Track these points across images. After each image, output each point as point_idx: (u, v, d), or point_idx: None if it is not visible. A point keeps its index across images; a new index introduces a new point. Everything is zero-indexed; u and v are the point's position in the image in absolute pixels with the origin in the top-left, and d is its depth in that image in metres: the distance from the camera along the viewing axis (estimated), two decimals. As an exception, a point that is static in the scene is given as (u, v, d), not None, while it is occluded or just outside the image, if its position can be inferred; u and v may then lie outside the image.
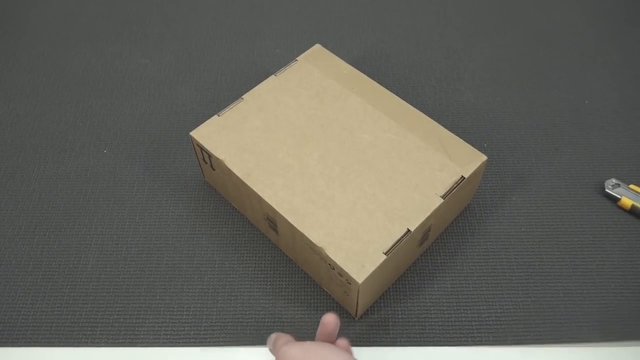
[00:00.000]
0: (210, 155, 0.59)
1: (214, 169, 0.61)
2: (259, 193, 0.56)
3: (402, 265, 0.58)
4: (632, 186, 0.64)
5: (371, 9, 0.86)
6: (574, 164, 0.68)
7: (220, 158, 0.58)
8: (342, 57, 0.79)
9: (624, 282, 0.59)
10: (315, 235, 0.52)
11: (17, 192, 0.67)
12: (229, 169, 0.57)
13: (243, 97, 0.63)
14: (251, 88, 0.64)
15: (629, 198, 0.63)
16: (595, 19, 0.84)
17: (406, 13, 0.86)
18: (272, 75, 0.65)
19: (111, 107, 0.75)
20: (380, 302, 0.58)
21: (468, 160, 0.57)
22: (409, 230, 0.53)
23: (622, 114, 0.73)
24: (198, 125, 0.61)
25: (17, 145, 0.71)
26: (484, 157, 0.58)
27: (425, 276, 0.59)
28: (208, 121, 0.61)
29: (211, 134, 0.60)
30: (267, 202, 0.55)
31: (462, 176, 0.56)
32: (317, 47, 0.68)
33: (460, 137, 0.60)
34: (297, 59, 0.67)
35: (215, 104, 0.75)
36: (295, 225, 0.53)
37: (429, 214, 0.54)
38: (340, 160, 0.58)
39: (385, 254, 0.51)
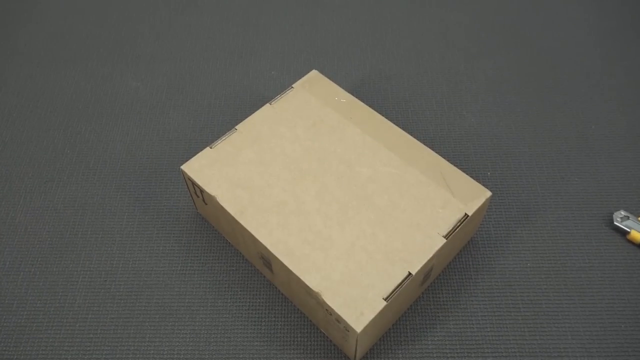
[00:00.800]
0: (202, 191, 0.57)
1: (206, 203, 0.59)
2: (253, 232, 0.53)
3: (403, 306, 0.56)
4: (641, 218, 0.62)
5: (369, 29, 0.84)
6: (580, 194, 0.65)
7: (212, 194, 0.55)
8: (340, 79, 0.77)
9: (635, 322, 0.56)
10: (311, 279, 0.50)
11: (1, 225, 0.64)
12: (222, 206, 0.55)
13: (237, 127, 0.61)
14: (246, 112, 0.62)
15: (639, 231, 0.61)
16: (600, 38, 0.82)
17: (405, 32, 0.83)
18: (267, 104, 0.63)
19: (101, 133, 0.72)
20: (380, 344, 0.55)
21: (472, 196, 0.55)
22: (410, 274, 0.50)
23: (630, 140, 0.70)
24: (190, 152, 0.59)
25: (3, 174, 0.68)
26: (488, 193, 0.55)
27: (427, 316, 0.57)
28: (200, 154, 0.59)
29: (203, 168, 0.57)
30: (261, 243, 0.53)
31: (465, 214, 0.54)
32: (314, 73, 0.66)
33: (463, 164, 0.57)
34: (294, 86, 0.64)
35: (208, 129, 0.72)
36: (291, 268, 0.51)
37: (431, 255, 0.51)
38: (338, 196, 0.55)
39: (386, 299, 0.49)
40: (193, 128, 0.72)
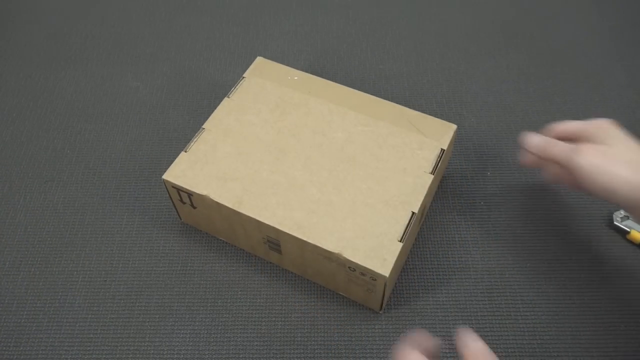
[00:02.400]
0: (190, 194, 0.57)
1: (195, 207, 0.59)
2: (257, 218, 0.54)
3: (409, 247, 0.60)
4: (641, 218, 0.62)
5: (369, 29, 0.84)
6: (581, 194, 0.65)
7: (204, 194, 0.55)
8: (340, 79, 0.77)
9: (635, 322, 0.56)
10: (328, 243, 0.52)
11: (1, 225, 0.64)
12: (217, 202, 0.55)
13: (204, 126, 0.61)
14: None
15: (639, 231, 0.61)
16: (601, 38, 0.82)
17: (405, 33, 0.83)
18: (226, 98, 0.63)
19: (100, 133, 0.72)
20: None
21: (441, 132, 0.60)
22: (413, 213, 0.54)
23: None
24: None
25: (2, 174, 0.68)
26: (454, 126, 0.61)
27: (428, 323, 0.57)
28: (177, 160, 0.58)
29: (185, 172, 0.57)
30: (268, 224, 0.53)
31: (441, 149, 0.59)
32: (260, 59, 0.68)
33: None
34: (244, 75, 0.66)
35: (208, 129, 0.72)
36: (305, 239, 0.52)
37: (425, 192, 0.55)
38: (324, 164, 0.57)
39: (400, 240, 0.52)
40: (193, 128, 0.72)
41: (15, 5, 0.89)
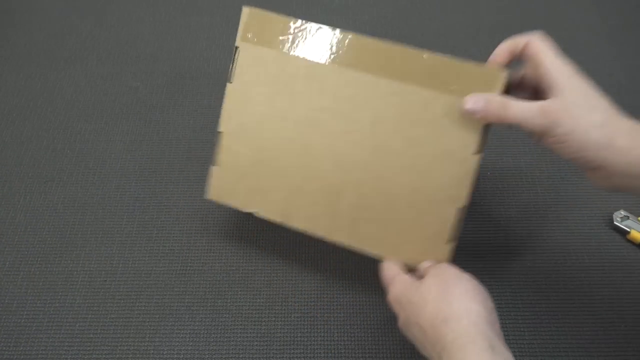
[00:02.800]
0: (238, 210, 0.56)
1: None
2: (307, 230, 0.53)
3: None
4: (641, 218, 0.62)
5: (369, 29, 0.84)
6: (580, 193, 0.65)
7: (252, 211, 0.54)
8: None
9: (635, 322, 0.56)
10: (379, 249, 0.51)
11: (1, 225, 0.64)
12: (266, 218, 0.54)
13: (220, 129, 0.55)
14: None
15: (639, 231, 0.61)
16: (601, 38, 0.82)
17: (405, 32, 0.83)
18: (228, 84, 0.54)
19: (101, 133, 0.72)
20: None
21: (486, 88, 0.47)
22: (461, 208, 0.49)
23: (630, 140, 0.70)
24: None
25: (3, 174, 0.68)
26: (504, 74, 0.47)
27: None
28: (213, 176, 0.56)
29: (224, 188, 0.56)
30: (320, 235, 0.53)
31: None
32: (247, 10, 0.55)
33: None
34: (237, 44, 0.54)
35: (208, 129, 0.72)
36: (357, 246, 0.52)
37: (471, 178, 0.48)
38: (355, 158, 0.51)
39: (448, 242, 0.50)
40: (193, 128, 0.72)
41: (15, 5, 0.88)
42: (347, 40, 0.52)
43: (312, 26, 0.53)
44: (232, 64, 0.54)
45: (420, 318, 0.42)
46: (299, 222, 0.53)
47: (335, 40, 0.52)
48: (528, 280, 0.59)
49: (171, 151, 0.70)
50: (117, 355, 0.55)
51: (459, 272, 0.46)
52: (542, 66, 0.45)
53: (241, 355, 0.55)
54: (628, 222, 0.62)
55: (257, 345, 0.55)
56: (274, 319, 0.57)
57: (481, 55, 0.53)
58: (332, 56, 0.52)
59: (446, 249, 0.50)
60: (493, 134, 0.71)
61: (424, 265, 0.50)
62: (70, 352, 0.55)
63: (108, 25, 0.85)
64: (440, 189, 0.49)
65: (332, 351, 0.55)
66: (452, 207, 0.49)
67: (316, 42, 0.53)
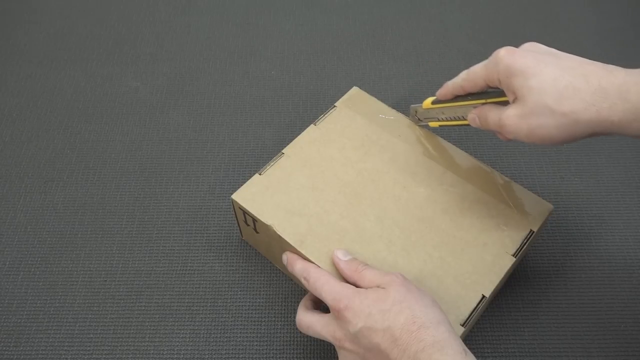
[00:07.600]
0: (255, 220, 0.55)
1: (257, 232, 0.57)
2: (317, 262, 0.51)
3: None
4: (641, 218, 0.62)
5: (369, 29, 0.84)
6: (580, 194, 0.66)
7: (268, 224, 0.53)
8: (340, 79, 0.77)
9: (635, 322, 0.56)
10: None
11: (1, 225, 0.64)
12: (279, 236, 0.53)
13: (283, 151, 0.58)
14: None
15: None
16: (601, 38, 0.82)
17: (405, 33, 0.83)
18: (312, 125, 0.60)
19: (100, 133, 0.72)
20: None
21: (535, 211, 0.53)
22: (484, 297, 0.49)
23: (630, 140, 0.70)
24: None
25: (2, 174, 0.68)
26: (550, 206, 0.54)
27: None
28: (249, 181, 0.56)
29: (254, 196, 0.55)
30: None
31: (531, 230, 0.52)
32: (355, 90, 0.63)
33: None
34: (336, 104, 0.62)
35: (208, 129, 0.72)
36: None
37: (502, 275, 0.50)
38: (399, 220, 0.53)
39: (463, 325, 0.48)
40: (193, 128, 0.72)
41: (15, 5, 0.89)
42: (429, 138, 0.59)
43: (402, 116, 0.61)
44: (324, 115, 0.61)
45: (393, 324, 0.42)
46: (311, 252, 0.51)
47: (417, 131, 0.60)
48: (528, 280, 0.59)
49: (171, 151, 0.70)
50: (117, 355, 0.55)
51: (412, 284, 0.46)
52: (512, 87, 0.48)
53: (241, 355, 0.55)
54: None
55: (257, 345, 0.55)
56: (274, 319, 0.57)
57: (481, 55, 0.53)
58: (410, 140, 0.59)
59: (458, 331, 0.47)
60: (490, 134, 0.71)
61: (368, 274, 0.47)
62: (70, 352, 0.55)
63: (108, 25, 0.85)
64: (469, 272, 0.50)
65: (332, 351, 0.55)
66: (477, 292, 0.49)
67: (401, 125, 0.60)
